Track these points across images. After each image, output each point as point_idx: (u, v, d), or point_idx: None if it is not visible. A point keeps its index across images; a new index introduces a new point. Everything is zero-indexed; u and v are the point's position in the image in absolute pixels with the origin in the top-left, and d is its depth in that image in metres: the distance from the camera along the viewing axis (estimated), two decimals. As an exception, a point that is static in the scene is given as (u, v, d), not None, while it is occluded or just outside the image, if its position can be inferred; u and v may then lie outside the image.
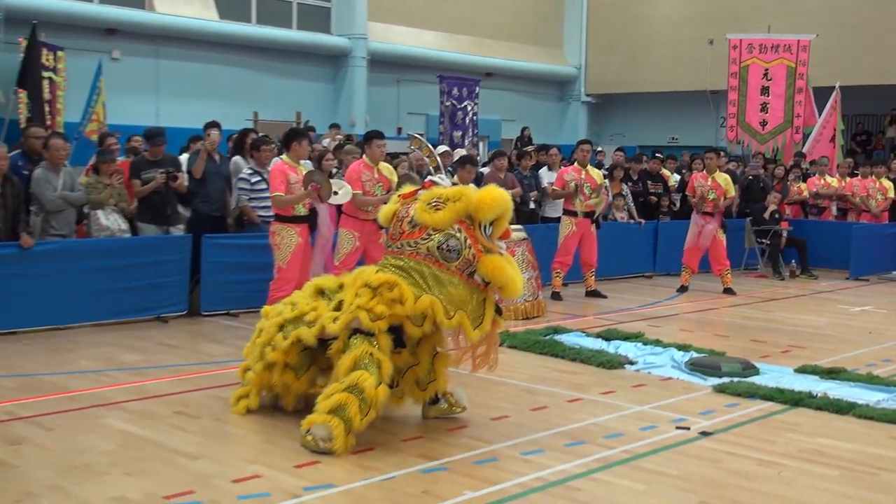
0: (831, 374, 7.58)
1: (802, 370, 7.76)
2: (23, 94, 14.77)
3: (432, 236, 5.63)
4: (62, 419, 6.07)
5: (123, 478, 4.99)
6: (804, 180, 16.13)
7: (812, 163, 17.00)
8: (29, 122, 13.66)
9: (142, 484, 4.90)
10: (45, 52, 15.11)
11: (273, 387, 6.20)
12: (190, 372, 7.46)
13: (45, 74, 15.04)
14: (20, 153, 9.80)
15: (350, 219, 9.39)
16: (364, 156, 9.63)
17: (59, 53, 15.49)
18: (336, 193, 9.05)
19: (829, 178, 16.07)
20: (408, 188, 6.23)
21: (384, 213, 6.13)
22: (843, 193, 15.75)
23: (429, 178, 5.97)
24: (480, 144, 20.43)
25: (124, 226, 9.65)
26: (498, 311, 5.82)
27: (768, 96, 17.66)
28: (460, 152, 13.39)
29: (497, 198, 5.68)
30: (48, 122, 14.52)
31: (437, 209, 5.66)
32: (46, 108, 14.90)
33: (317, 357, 6.07)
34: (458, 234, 5.60)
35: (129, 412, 6.27)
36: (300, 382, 6.15)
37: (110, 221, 9.52)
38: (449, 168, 11.54)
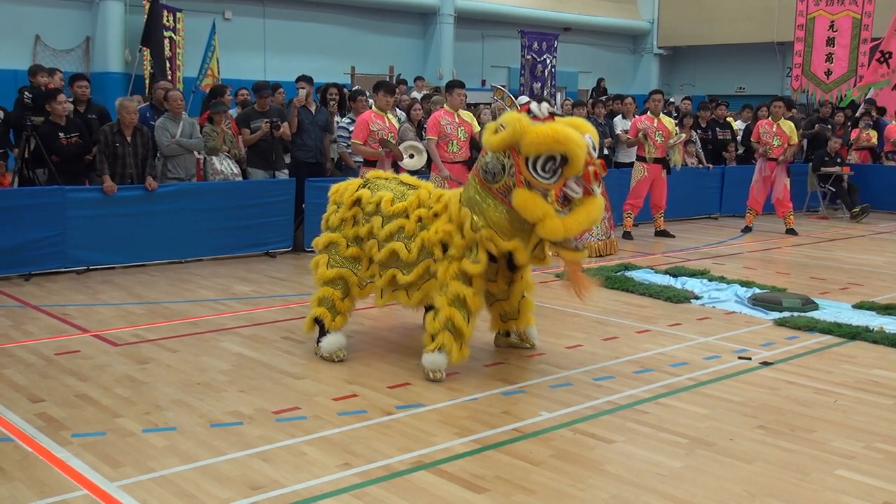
0: (887, 309, 7.35)
1: (860, 306, 7.55)
2: (147, 52, 15.06)
3: (485, 156, 5.40)
4: (184, 342, 6.25)
5: (238, 394, 5.13)
6: (874, 128, 15.47)
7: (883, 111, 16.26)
8: (152, 78, 13.93)
9: (254, 400, 5.03)
10: (165, 13, 15.34)
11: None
12: (295, 302, 7.60)
13: (166, 34, 15.28)
14: (148, 105, 9.99)
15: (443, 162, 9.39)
16: (445, 104, 9.58)
17: (178, 14, 15.71)
18: (412, 157, 9.06)
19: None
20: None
21: None
22: None
23: (527, 101, 5.28)
24: (558, 95, 20.14)
25: (236, 170, 9.81)
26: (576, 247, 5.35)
27: (833, 47, 16.94)
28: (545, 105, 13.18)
29: (545, 134, 5.07)
30: (169, 77, 14.78)
31: (497, 133, 5.32)
32: (167, 65, 15.17)
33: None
34: (505, 160, 5.26)
35: (242, 337, 6.42)
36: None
37: (224, 166, 9.68)
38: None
